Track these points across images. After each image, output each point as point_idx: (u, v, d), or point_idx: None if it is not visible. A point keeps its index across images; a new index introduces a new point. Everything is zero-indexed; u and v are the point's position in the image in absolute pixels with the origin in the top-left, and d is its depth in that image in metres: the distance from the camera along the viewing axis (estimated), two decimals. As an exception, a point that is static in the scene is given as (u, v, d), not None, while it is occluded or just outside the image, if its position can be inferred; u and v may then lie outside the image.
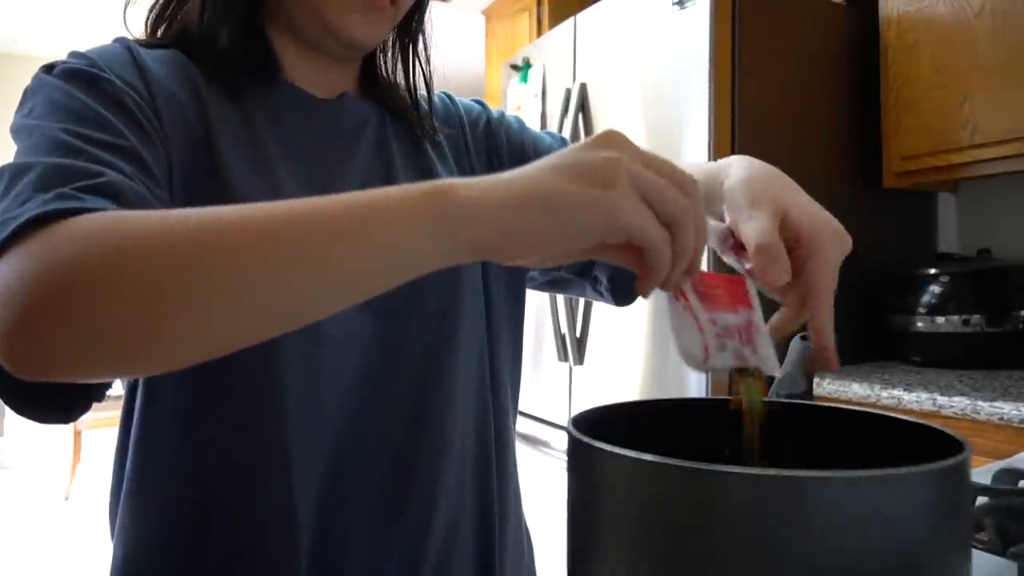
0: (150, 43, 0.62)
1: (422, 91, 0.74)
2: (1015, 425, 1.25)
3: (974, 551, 0.52)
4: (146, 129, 0.53)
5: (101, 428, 3.78)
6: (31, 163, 0.45)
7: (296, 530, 0.57)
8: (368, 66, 0.73)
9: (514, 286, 0.74)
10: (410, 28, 0.74)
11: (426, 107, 0.73)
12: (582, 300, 1.98)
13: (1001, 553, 0.55)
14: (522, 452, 2.25)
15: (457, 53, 4.35)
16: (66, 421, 0.50)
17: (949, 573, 0.32)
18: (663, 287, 0.42)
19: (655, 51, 1.76)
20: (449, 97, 0.79)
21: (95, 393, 0.49)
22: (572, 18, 2.09)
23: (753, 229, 0.49)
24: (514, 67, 2.38)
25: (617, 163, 0.39)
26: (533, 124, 2.23)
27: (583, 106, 2.00)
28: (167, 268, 0.37)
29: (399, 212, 0.39)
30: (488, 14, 3.21)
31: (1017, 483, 0.66)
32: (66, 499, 3.79)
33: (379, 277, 0.40)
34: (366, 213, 0.39)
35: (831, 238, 0.54)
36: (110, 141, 0.49)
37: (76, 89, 0.51)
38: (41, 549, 3.14)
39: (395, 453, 0.62)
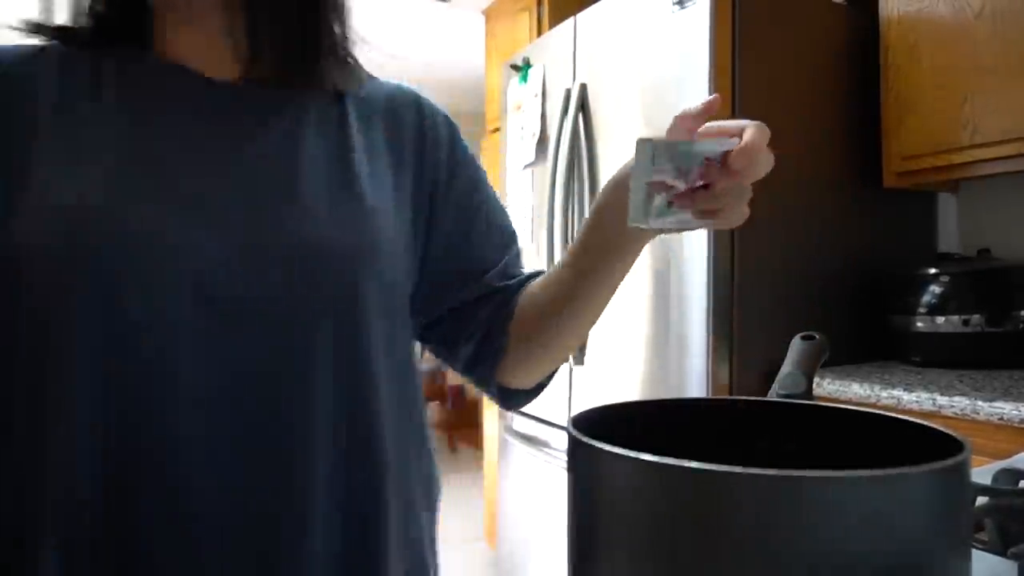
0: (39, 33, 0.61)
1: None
2: (1015, 425, 1.25)
3: (974, 551, 0.52)
4: None
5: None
6: None
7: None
8: (253, 42, 0.63)
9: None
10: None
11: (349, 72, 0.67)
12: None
13: (1001, 553, 0.55)
14: (522, 452, 2.25)
15: (457, 53, 4.36)
16: None
17: (949, 573, 0.32)
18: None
19: (655, 51, 1.76)
20: (419, 97, 0.73)
21: None
22: (572, 18, 2.09)
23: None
24: (514, 67, 2.38)
25: None
26: (533, 124, 2.24)
27: (583, 106, 2.00)
28: None
29: None
30: (488, 14, 3.21)
31: (1017, 483, 0.66)
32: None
33: None
34: None
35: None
36: None
37: None
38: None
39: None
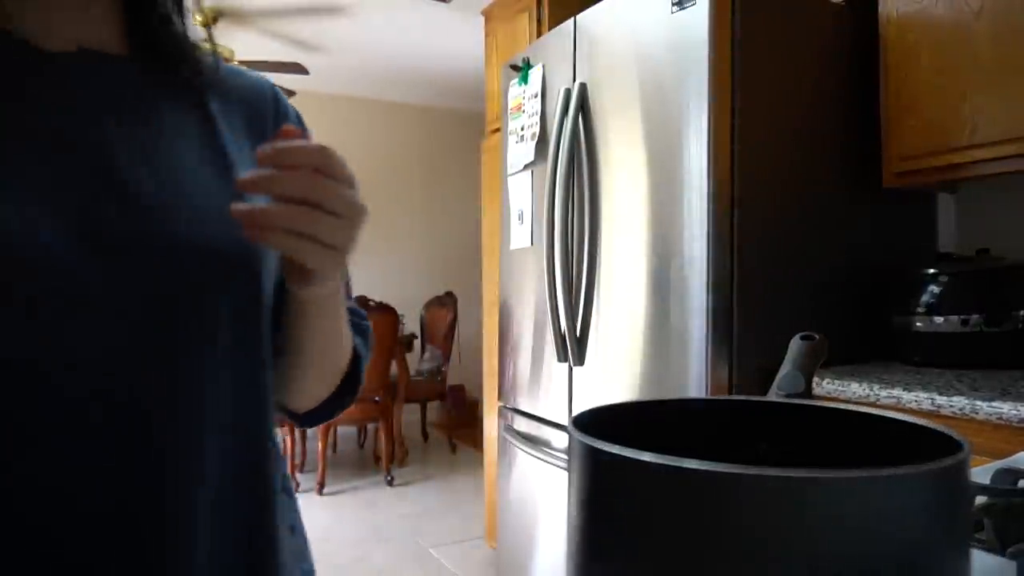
0: None
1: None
2: (1014, 425, 1.26)
3: (973, 550, 0.52)
4: None
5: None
6: None
7: None
8: (133, 15, 0.60)
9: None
10: None
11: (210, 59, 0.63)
12: (582, 299, 1.98)
13: (1000, 552, 0.55)
14: (522, 452, 2.25)
15: (457, 53, 4.36)
16: None
17: (948, 572, 0.32)
18: None
19: (655, 51, 1.76)
20: (276, 90, 0.70)
21: None
22: (572, 18, 2.09)
23: None
24: (514, 67, 2.38)
25: None
26: (533, 124, 2.24)
27: (583, 106, 2.00)
28: None
29: None
30: (488, 14, 3.21)
31: (1016, 483, 0.66)
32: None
33: None
34: None
35: None
36: None
37: None
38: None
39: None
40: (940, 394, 1.37)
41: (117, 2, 0.58)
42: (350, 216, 0.50)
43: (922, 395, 1.39)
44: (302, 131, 0.59)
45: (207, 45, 0.63)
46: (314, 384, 0.68)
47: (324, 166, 0.48)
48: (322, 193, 0.48)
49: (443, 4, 3.56)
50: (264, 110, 0.67)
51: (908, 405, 1.41)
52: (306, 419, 0.73)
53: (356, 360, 0.71)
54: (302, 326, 0.62)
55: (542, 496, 2.15)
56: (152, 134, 0.56)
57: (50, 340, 0.48)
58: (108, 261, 0.51)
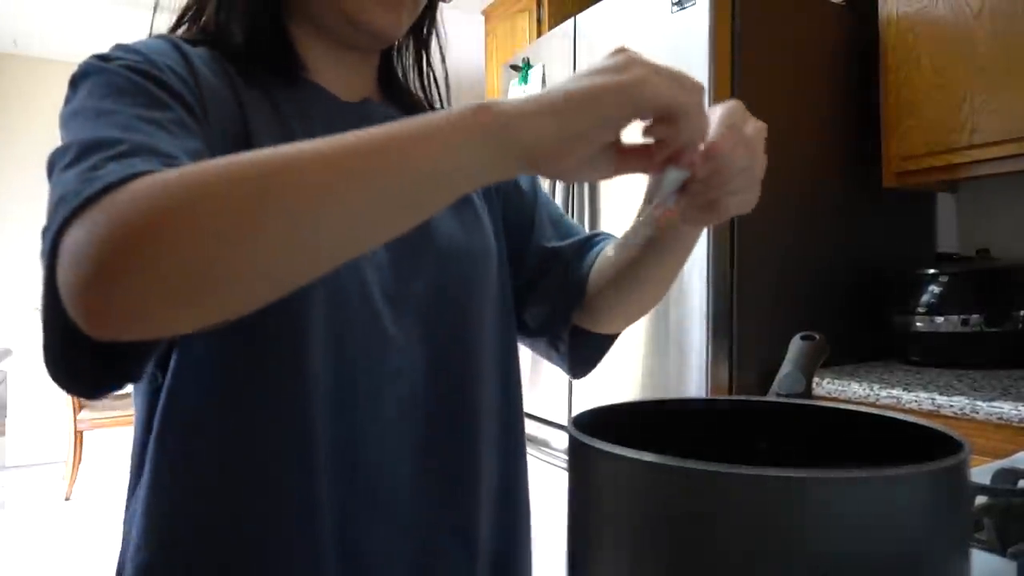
0: (186, 39, 0.62)
1: (438, 95, 0.77)
2: (1014, 425, 1.26)
3: (973, 550, 0.52)
4: (199, 120, 0.54)
5: (102, 428, 3.78)
6: (103, 138, 0.46)
7: (318, 526, 0.57)
8: (385, 69, 0.74)
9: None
10: (422, 30, 0.75)
11: (436, 102, 0.76)
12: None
13: (1000, 552, 0.55)
14: (522, 452, 2.25)
15: (457, 53, 4.35)
16: (92, 395, 0.50)
17: (949, 572, 0.32)
18: (680, 159, 0.47)
19: (655, 51, 1.76)
20: None
21: (133, 371, 0.50)
22: (572, 18, 2.09)
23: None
24: (514, 67, 2.38)
25: (628, 56, 0.43)
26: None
27: (583, 106, 2.00)
28: (236, 202, 0.39)
29: (452, 125, 0.41)
30: (488, 14, 3.21)
31: (1016, 483, 0.66)
32: (67, 499, 3.79)
33: (437, 191, 0.42)
34: (421, 131, 0.42)
35: None
36: (175, 127, 0.50)
37: (140, 78, 0.52)
38: (41, 549, 3.14)
39: (423, 449, 0.63)
40: (940, 394, 1.37)
41: (375, 60, 0.72)
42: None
43: (922, 395, 1.39)
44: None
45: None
46: (649, 303, 0.77)
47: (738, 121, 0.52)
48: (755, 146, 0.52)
49: (443, 4, 3.56)
50: None
51: (908, 405, 1.41)
52: (591, 349, 0.80)
53: None
54: (673, 259, 0.69)
55: (542, 496, 2.15)
56: None
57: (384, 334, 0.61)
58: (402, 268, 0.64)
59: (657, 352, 1.74)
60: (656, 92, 0.43)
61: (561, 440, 2.11)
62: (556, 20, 2.54)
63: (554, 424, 2.13)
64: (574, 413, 0.42)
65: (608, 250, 0.76)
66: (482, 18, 3.27)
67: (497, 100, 0.42)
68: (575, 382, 2.03)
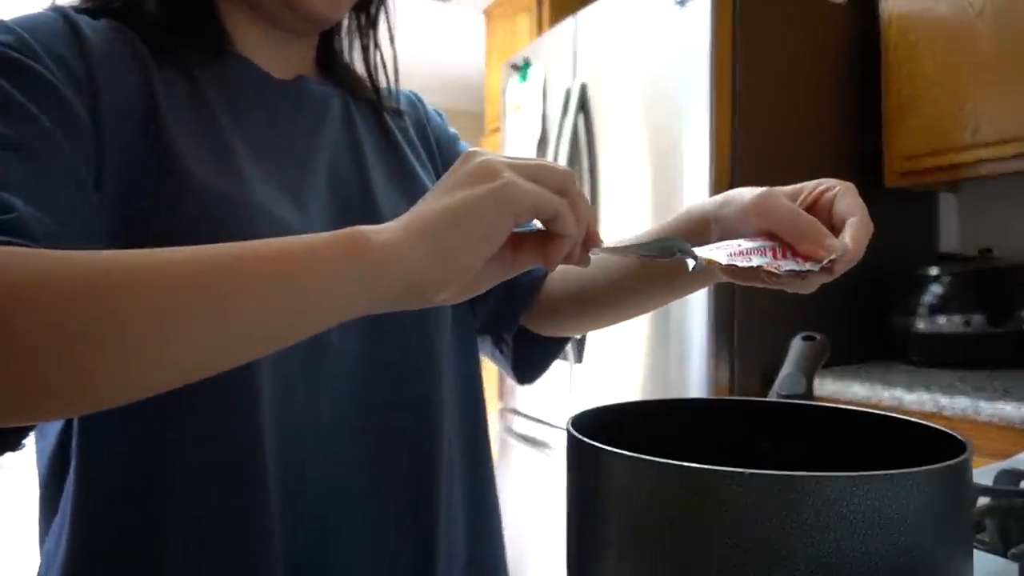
0: (88, 10, 0.56)
1: (385, 77, 0.72)
2: (1017, 426, 1.25)
3: (975, 552, 0.52)
4: (74, 116, 0.48)
5: None
6: None
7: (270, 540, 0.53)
8: (325, 48, 0.70)
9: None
10: (369, 9, 0.71)
11: (387, 91, 0.72)
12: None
13: (1002, 554, 0.55)
14: (522, 452, 2.24)
15: (457, 53, 4.36)
16: None
17: (950, 574, 0.32)
18: (569, 258, 0.44)
19: (655, 50, 1.76)
20: (417, 96, 0.78)
21: (12, 440, 0.45)
22: (572, 17, 2.09)
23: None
24: (514, 67, 2.38)
25: (489, 162, 0.40)
26: (533, 124, 2.24)
27: (583, 106, 2.00)
28: (62, 312, 0.34)
29: (319, 259, 0.38)
30: (488, 14, 3.22)
31: (1018, 484, 0.66)
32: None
33: (297, 326, 0.39)
34: (285, 258, 0.38)
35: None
36: (26, 147, 0.44)
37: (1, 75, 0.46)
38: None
39: (382, 466, 0.59)
40: (943, 395, 1.37)
41: (314, 39, 0.68)
42: None
43: (924, 396, 1.39)
44: (453, 135, 0.77)
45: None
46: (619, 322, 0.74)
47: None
48: None
49: (443, 4, 3.56)
50: (420, 118, 0.75)
51: (910, 406, 1.40)
52: (536, 356, 0.76)
53: None
54: (663, 292, 0.66)
55: (542, 496, 2.15)
56: (358, 153, 0.65)
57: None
58: None
59: (658, 352, 1.74)
60: (528, 198, 0.39)
61: (561, 440, 2.11)
62: (556, 19, 2.54)
63: (554, 425, 2.13)
64: (574, 413, 0.42)
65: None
66: (482, 18, 3.28)
67: (368, 230, 0.39)
68: (575, 382, 2.02)
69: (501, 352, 0.76)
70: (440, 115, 0.79)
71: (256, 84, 0.61)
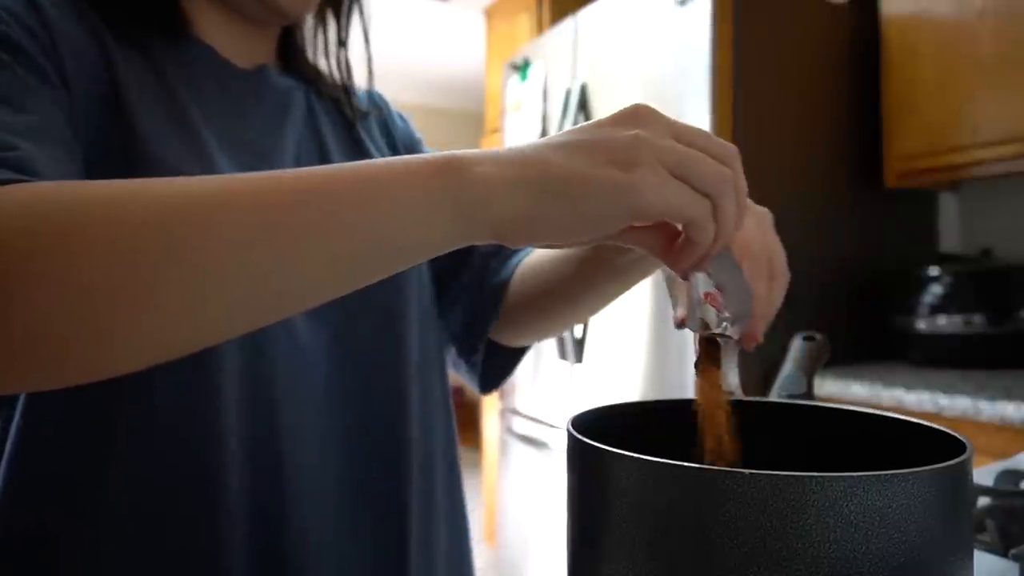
0: None
1: (344, 72, 0.70)
2: (1017, 426, 1.25)
3: (976, 552, 0.52)
4: (52, 81, 0.46)
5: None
6: None
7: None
8: (285, 40, 0.68)
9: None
10: (340, 7, 0.69)
11: (351, 84, 0.70)
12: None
13: (1003, 554, 0.55)
14: (522, 452, 2.24)
15: (457, 53, 4.36)
16: None
17: (951, 574, 0.32)
18: (698, 264, 0.40)
19: (656, 50, 1.76)
20: (381, 97, 0.76)
21: None
22: (572, 17, 2.09)
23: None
24: (514, 67, 2.38)
25: (639, 142, 0.35)
26: (533, 124, 2.24)
27: (583, 106, 2.00)
28: (123, 247, 0.31)
29: (411, 185, 0.34)
30: (488, 14, 3.21)
31: (1019, 484, 0.66)
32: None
33: (380, 260, 0.35)
34: (372, 184, 0.34)
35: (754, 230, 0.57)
36: (15, 92, 0.43)
37: None
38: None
39: (351, 468, 0.57)
40: (943, 395, 1.37)
41: (276, 30, 0.66)
42: None
43: (925, 396, 1.39)
44: (416, 137, 0.75)
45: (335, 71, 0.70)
46: (575, 324, 0.73)
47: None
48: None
49: (443, 4, 3.56)
50: (384, 119, 0.74)
51: (910, 406, 1.40)
52: (500, 363, 0.74)
53: None
54: (622, 281, 0.65)
55: (542, 496, 2.15)
56: (321, 145, 0.64)
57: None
58: None
59: (657, 352, 1.74)
60: (656, 204, 0.35)
61: (561, 440, 2.11)
62: (556, 19, 2.54)
63: (554, 425, 2.13)
64: (574, 413, 0.42)
65: (535, 259, 0.68)
66: (482, 18, 3.28)
67: (470, 158, 0.35)
68: (575, 382, 2.02)
69: (467, 363, 0.73)
70: (403, 118, 0.77)
71: (218, 72, 0.59)
